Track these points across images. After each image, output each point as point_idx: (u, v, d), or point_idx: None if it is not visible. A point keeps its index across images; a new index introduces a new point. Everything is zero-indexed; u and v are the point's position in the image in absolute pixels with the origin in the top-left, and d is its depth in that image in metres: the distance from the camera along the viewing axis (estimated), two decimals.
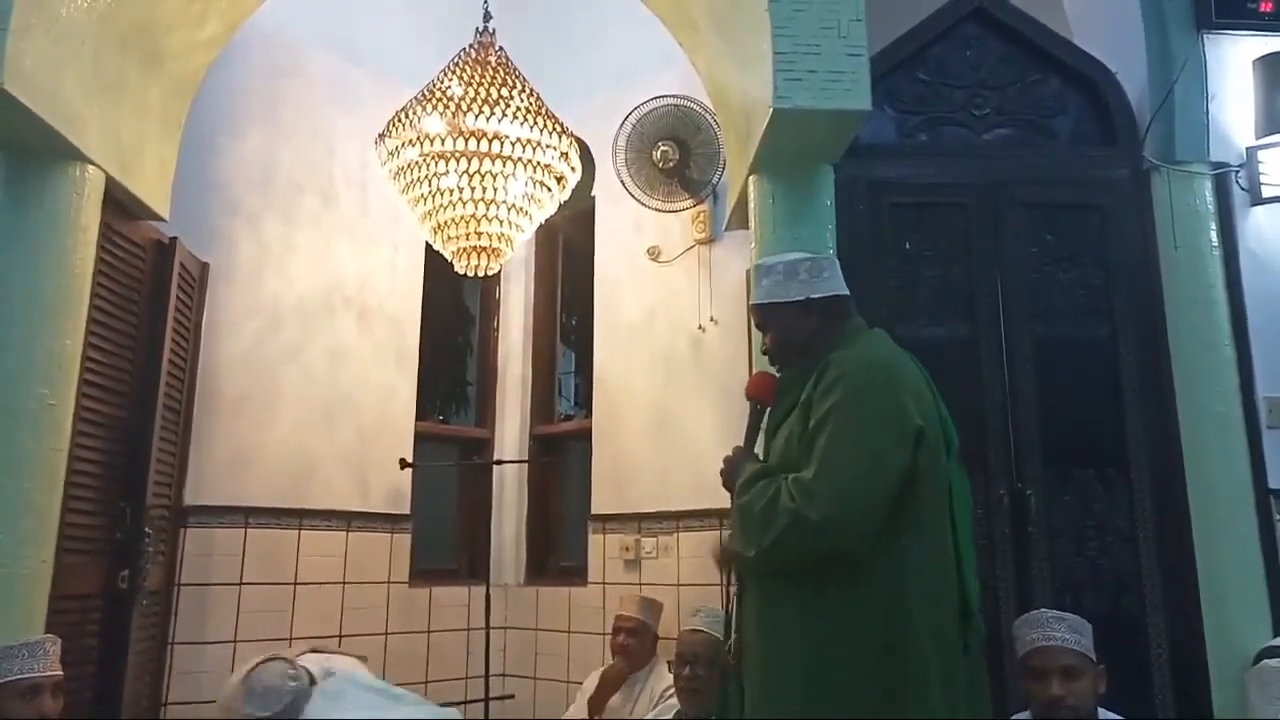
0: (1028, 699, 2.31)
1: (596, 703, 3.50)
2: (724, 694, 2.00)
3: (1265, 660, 2.67)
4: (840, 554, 1.74)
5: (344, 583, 3.99)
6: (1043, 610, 2.40)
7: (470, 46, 3.74)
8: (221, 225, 3.87)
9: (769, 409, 2.03)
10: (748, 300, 2.14)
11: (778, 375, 2.08)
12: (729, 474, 1.99)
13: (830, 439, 1.77)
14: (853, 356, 1.90)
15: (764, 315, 2.07)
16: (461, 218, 3.59)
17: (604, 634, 3.81)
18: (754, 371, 2.17)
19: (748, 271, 2.04)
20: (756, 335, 2.28)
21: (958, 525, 1.90)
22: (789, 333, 2.03)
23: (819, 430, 1.79)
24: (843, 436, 1.76)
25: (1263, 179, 3.08)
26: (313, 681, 2.48)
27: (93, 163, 2.90)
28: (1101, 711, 2.28)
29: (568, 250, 5.02)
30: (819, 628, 1.77)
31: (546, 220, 3.96)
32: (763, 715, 1.83)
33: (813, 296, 2.01)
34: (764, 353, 2.11)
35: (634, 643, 3.53)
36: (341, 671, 2.56)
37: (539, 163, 3.60)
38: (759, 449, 2.06)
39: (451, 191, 3.55)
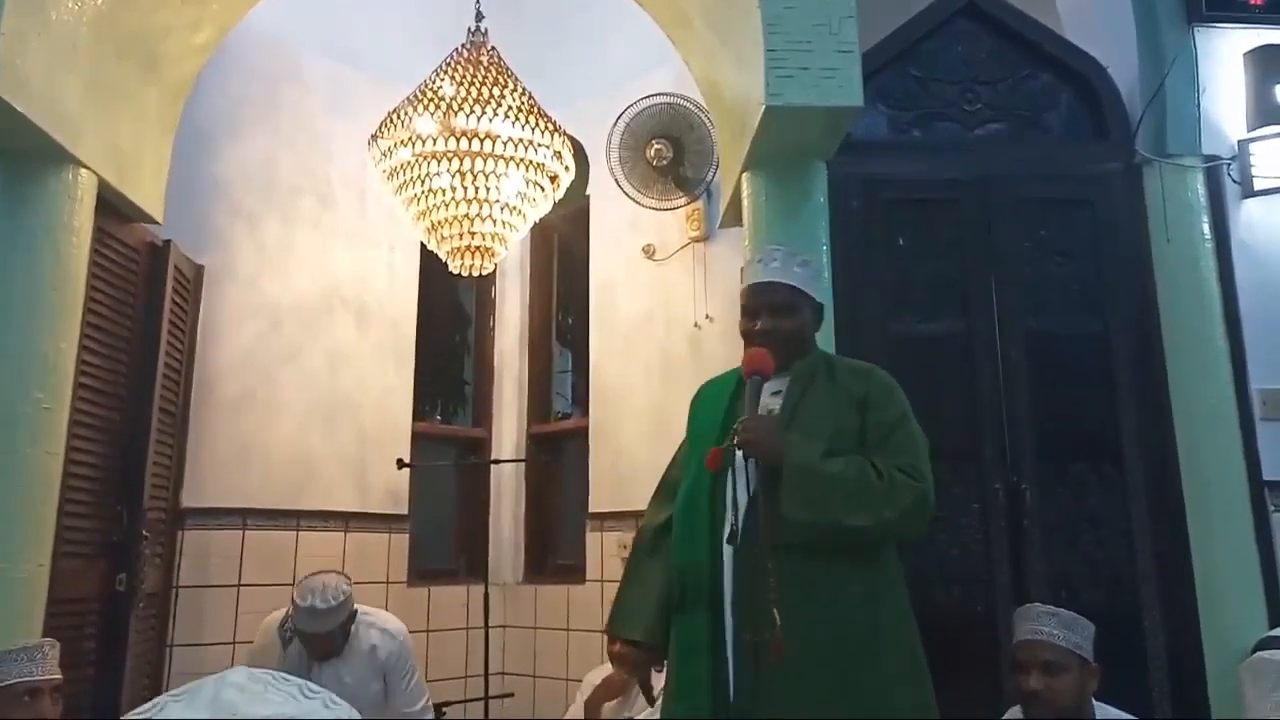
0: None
1: (592, 704, 3.49)
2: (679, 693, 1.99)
3: (1259, 652, 2.67)
4: None
5: None
6: (1036, 604, 2.39)
7: (463, 46, 3.74)
8: (221, 227, 3.88)
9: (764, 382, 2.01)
10: (766, 278, 2.06)
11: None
12: (767, 439, 1.88)
13: (910, 437, 1.96)
14: (874, 367, 2.11)
15: (795, 299, 2.05)
16: (455, 218, 3.59)
17: (602, 631, 3.80)
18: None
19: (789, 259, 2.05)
20: None
21: None
22: (805, 326, 2.08)
23: (894, 428, 1.95)
24: (918, 436, 1.97)
25: (1254, 171, 3.08)
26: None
27: (86, 166, 2.90)
28: (1099, 707, 2.28)
29: (563, 249, 5.02)
30: (884, 594, 1.93)
31: (541, 219, 3.96)
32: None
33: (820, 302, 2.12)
34: (761, 332, 2.04)
35: None
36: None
37: (532, 162, 3.60)
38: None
39: (444, 191, 3.55)
